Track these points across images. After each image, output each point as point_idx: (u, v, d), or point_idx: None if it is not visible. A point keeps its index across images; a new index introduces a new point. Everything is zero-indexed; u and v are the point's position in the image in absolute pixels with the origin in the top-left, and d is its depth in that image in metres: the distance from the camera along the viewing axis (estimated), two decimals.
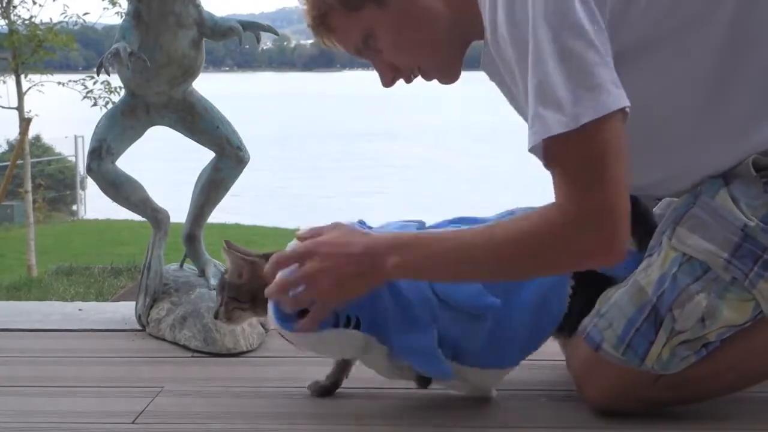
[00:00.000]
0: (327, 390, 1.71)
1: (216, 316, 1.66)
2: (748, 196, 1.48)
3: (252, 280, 1.60)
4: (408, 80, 1.65)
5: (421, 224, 1.67)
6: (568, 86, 1.36)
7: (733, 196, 1.48)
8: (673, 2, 1.45)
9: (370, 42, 1.60)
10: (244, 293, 1.62)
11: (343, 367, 1.71)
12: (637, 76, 1.45)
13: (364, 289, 1.52)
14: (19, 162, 11.07)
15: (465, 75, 1.65)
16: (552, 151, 1.39)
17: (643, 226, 1.60)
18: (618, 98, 1.36)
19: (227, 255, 1.62)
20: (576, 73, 1.36)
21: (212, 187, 2.24)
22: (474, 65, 1.63)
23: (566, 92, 1.36)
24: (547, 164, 1.42)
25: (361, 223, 1.64)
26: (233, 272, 1.63)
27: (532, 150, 1.42)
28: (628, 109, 1.38)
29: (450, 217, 1.70)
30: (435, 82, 1.68)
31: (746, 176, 1.49)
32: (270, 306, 1.56)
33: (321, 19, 1.61)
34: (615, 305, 1.55)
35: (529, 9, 1.39)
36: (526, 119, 1.45)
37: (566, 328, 1.63)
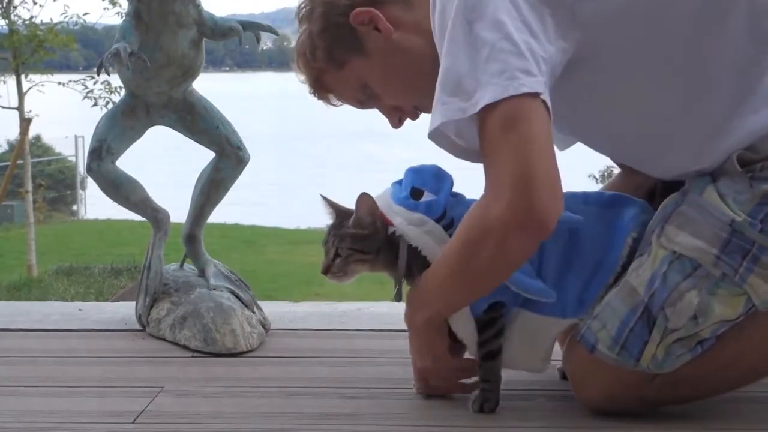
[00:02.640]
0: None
1: (326, 271, 1.62)
2: (734, 191, 1.49)
3: (380, 232, 1.60)
4: (414, 117, 1.69)
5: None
6: (475, 75, 1.39)
7: (720, 192, 1.49)
8: (623, 8, 1.47)
9: (367, 91, 1.66)
10: (370, 244, 1.60)
11: None
12: (602, 81, 1.49)
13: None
14: (19, 162, 11.09)
15: None
16: (479, 132, 1.42)
17: None
18: (522, 84, 1.38)
19: (362, 203, 1.60)
20: (484, 62, 1.39)
21: (212, 187, 2.24)
22: None
23: (472, 80, 1.39)
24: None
25: (399, 182, 1.66)
26: (359, 224, 1.60)
27: (430, 136, 1.45)
28: (543, 97, 1.39)
29: None
30: None
31: (732, 172, 1.49)
32: None
33: (316, 83, 1.69)
34: (607, 306, 1.56)
35: (452, 11, 1.44)
36: None
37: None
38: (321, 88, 1.70)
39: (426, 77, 1.59)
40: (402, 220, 1.59)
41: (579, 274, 1.58)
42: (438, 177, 1.65)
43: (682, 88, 1.50)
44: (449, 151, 1.53)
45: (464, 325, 1.61)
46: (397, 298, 1.66)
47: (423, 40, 1.59)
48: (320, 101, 1.73)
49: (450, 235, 1.56)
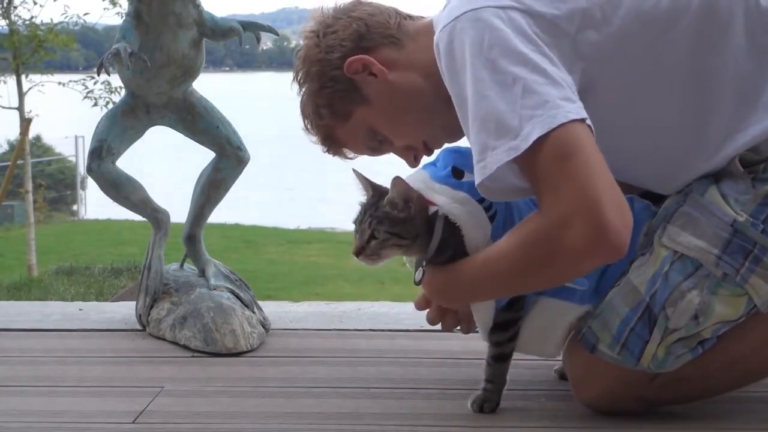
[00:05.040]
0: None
1: (359, 253, 1.56)
2: (737, 191, 1.49)
3: (418, 216, 1.55)
4: (429, 153, 1.69)
5: None
6: (514, 111, 1.38)
7: (722, 193, 1.49)
8: (623, 37, 1.48)
9: (377, 137, 1.67)
10: (409, 229, 1.55)
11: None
12: (607, 109, 1.49)
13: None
14: (19, 162, 11.07)
15: None
16: (523, 171, 1.41)
17: None
18: (568, 111, 1.38)
19: (395, 187, 1.55)
20: (521, 97, 1.38)
21: (212, 187, 2.24)
22: None
23: (514, 117, 1.38)
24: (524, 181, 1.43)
25: (432, 164, 1.63)
26: (395, 206, 1.55)
27: (485, 182, 1.42)
28: (588, 122, 1.39)
29: None
30: None
31: (735, 173, 1.50)
32: None
33: (328, 140, 1.71)
34: (609, 305, 1.56)
35: (466, 51, 1.43)
36: None
37: None
38: (333, 144, 1.71)
39: (428, 111, 1.62)
40: (447, 199, 1.55)
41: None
42: None
43: (688, 108, 1.50)
44: (496, 196, 1.50)
45: (485, 312, 1.60)
46: (419, 281, 1.61)
47: (419, 76, 1.61)
48: (336, 157, 1.75)
49: (490, 219, 1.55)
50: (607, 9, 1.47)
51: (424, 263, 1.60)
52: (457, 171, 1.58)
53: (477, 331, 1.67)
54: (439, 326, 1.71)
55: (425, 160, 1.70)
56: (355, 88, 1.63)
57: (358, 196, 1.62)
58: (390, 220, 1.55)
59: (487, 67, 1.41)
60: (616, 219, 1.35)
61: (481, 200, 1.55)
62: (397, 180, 1.55)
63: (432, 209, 1.56)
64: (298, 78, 1.69)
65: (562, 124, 1.36)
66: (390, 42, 1.64)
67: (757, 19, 1.49)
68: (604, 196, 1.35)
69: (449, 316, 1.69)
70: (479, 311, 1.61)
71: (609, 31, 1.47)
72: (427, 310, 1.71)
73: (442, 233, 1.55)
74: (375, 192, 1.59)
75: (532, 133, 1.36)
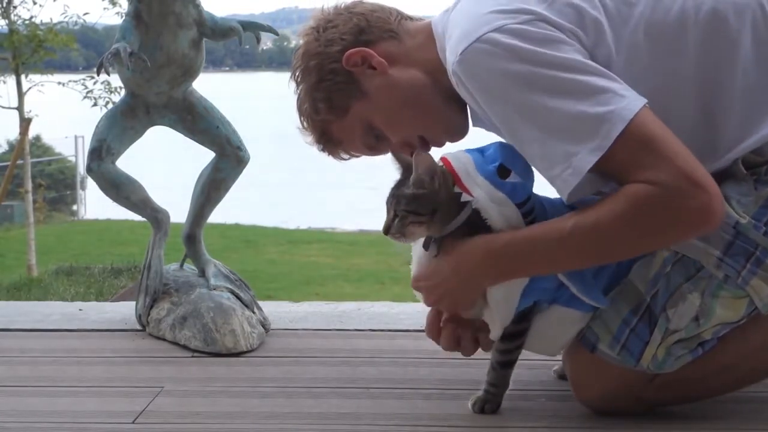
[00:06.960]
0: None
1: (386, 231, 1.55)
2: (739, 193, 1.49)
3: (442, 190, 1.53)
4: (427, 149, 1.67)
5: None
6: (584, 112, 1.40)
7: (725, 195, 1.48)
8: (634, 49, 1.49)
9: (374, 132, 1.65)
10: (424, 204, 1.52)
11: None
12: None
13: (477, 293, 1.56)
14: (19, 162, 11.07)
15: None
16: (606, 163, 1.41)
17: None
18: (635, 100, 1.41)
19: (418, 161, 1.53)
20: (587, 98, 1.41)
21: (212, 187, 2.24)
22: None
23: (585, 119, 1.40)
24: (611, 178, 1.44)
25: (479, 151, 1.59)
26: (420, 184, 1.52)
27: (572, 194, 1.43)
28: (647, 105, 1.41)
29: None
30: None
31: (737, 175, 1.50)
32: None
33: (324, 137, 1.69)
34: (610, 305, 1.55)
35: (503, 73, 1.44)
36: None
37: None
38: (329, 141, 1.69)
39: (426, 106, 1.62)
40: (484, 194, 1.52)
41: (606, 270, 1.56)
42: (527, 165, 1.57)
43: (697, 116, 1.50)
44: (575, 196, 1.47)
45: (508, 308, 1.56)
46: (428, 248, 1.57)
47: (418, 71, 1.62)
48: (330, 156, 1.73)
49: (530, 224, 1.52)
50: (618, 22, 1.49)
51: (433, 238, 1.57)
52: (504, 169, 1.55)
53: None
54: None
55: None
56: (354, 81, 1.63)
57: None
58: (407, 197, 1.53)
59: (545, 81, 1.42)
60: (719, 192, 1.40)
61: (520, 204, 1.54)
62: (419, 156, 1.53)
63: (465, 197, 1.53)
64: (296, 75, 1.68)
65: (636, 114, 1.39)
66: (390, 36, 1.64)
67: (764, 28, 1.50)
68: (704, 172, 1.40)
69: (466, 337, 1.64)
70: (501, 307, 1.56)
71: (619, 45, 1.48)
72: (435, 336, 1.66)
73: (466, 221, 1.53)
74: (406, 170, 1.57)
75: (613, 129, 1.39)
